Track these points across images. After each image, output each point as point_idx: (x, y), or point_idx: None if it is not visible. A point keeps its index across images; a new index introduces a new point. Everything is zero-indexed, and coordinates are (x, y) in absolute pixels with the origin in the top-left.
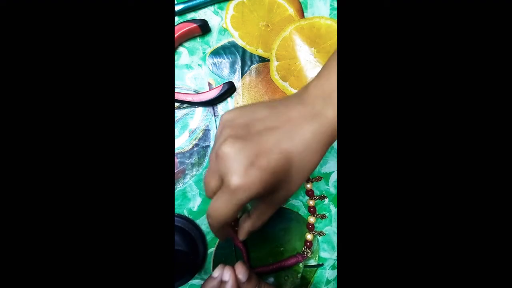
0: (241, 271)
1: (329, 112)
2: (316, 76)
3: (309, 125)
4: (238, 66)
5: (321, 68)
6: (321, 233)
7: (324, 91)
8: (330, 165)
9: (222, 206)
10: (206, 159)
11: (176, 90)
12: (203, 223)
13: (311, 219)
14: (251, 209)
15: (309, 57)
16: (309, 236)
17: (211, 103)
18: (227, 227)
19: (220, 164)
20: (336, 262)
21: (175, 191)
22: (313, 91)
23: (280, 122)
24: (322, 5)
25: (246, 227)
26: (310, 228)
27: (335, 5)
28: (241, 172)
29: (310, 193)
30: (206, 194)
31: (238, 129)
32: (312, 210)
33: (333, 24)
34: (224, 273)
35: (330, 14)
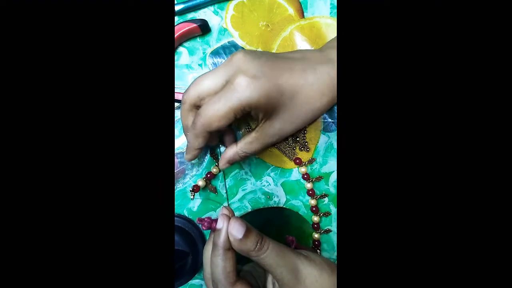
0: (235, 226)
1: None
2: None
3: (323, 67)
4: None
5: None
6: (328, 231)
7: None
8: (330, 165)
9: (217, 107)
10: (206, 158)
11: (176, 90)
12: None
13: (315, 218)
14: (240, 138)
15: None
16: (316, 236)
17: None
18: (206, 136)
19: (229, 66)
20: (336, 262)
21: (175, 191)
22: (328, 44)
23: (296, 56)
24: (322, 4)
25: (230, 152)
26: (316, 227)
27: (335, 3)
28: (251, 73)
29: (311, 193)
30: (184, 130)
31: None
32: (314, 210)
33: (333, 23)
34: (218, 223)
35: (330, 13)
